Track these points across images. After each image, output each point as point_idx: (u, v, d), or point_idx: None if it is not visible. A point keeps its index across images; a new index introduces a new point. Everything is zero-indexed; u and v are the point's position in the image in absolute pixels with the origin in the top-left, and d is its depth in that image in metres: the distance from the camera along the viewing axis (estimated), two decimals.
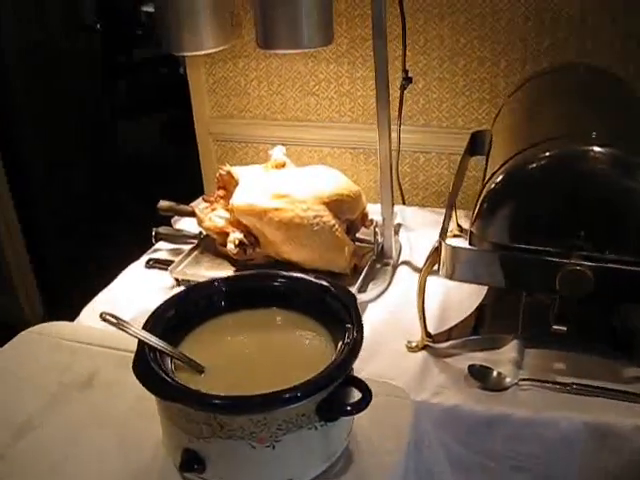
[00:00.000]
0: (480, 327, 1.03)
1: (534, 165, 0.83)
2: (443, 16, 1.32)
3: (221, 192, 1.27)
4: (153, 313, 0.75)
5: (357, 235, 1.21)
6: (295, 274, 0.80)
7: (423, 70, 1.38)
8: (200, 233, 1.28)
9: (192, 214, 1.27)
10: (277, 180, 1.16)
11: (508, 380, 0.90)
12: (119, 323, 0.71)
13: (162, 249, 1.32)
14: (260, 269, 1.16)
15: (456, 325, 1.02)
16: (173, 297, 0.79)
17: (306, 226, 1.08)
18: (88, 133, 2.48)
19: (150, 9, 3.01)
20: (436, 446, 0.88)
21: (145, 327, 0.73)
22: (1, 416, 0.83)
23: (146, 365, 0.67)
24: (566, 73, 1.15)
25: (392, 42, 1.32)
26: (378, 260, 1.19)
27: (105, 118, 2.66)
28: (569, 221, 0.83)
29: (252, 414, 0.62)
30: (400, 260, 1.23)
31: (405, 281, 1.17)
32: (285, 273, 0.80)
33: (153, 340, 0.70)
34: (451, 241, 0.91)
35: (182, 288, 1.16)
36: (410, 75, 1.29)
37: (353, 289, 1.09)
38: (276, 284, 0.80)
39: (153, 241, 1.31)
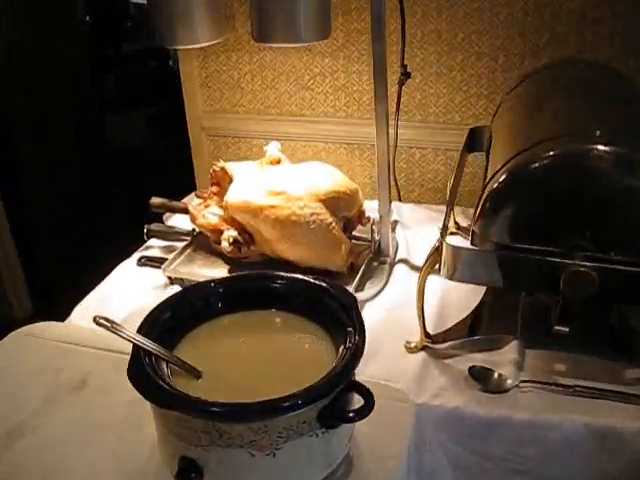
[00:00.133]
0: (479, 327, 1.01)
1: (537, 164, 0.81)
2: (441, 10, 1.30)
3: (215, 188, 1.24)
4: (148, 315, 0.73)
5: (353, 233, 1.19)
6: (294, 275, 0.77)
7: (420, 65, 1.36)
8: (193, 230, 1.26)
9: (185, 211, 1.25)
10: (272, 177, 1.14)
11: (509, 382, 0.89)
12: (113, 327, 0.68)
13: (154, 246, 1.30)
14: (255, 267, 1.14)
15: (455, 325, 1.00)
16: (169, 299, 0.77)
17: (302, 224, 1.06)
18: (77, 128, 2.45)
19: (141, 1, 2.97)
20: (437, 449, 0.87)
21: (140, 330, 0.70)
22: None
23: (142, 371, 0.65)
24: (566, 69, 1.13)
25: (389, 36, 1.29)
26: (375, 258, 1.18)
27: (94, 112, 2.63)
28: (573, 221, 0.81)
29: (252, 422, 0.60)
30: (397, 258, 1.21)
31: (402, 279, 1.16)
32: (284, 274, 0.78)
33: (148, 344, 0.67)
34: (452, 240, 0.89)
35: (175, 286, 1.15)
36: (409, 70, 1.26)
37: (350, 288, 1.07)
38: (275, 285, 0.78)
39: (145, 238, 1.29)
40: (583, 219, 0.81)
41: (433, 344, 0.97)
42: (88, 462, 0.75)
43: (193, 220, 1.21)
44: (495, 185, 0.82)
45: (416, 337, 0.98)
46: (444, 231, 0.90)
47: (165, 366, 0.69)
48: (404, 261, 1.21)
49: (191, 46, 1.06)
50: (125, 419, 0.80)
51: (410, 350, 0.97)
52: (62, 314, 1.10)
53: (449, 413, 0.87)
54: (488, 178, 0.87)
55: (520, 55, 1.30)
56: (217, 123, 1.59)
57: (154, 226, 1.29)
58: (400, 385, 0.89)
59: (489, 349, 0.96)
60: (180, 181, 1.65)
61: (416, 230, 1.31)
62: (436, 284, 1.03)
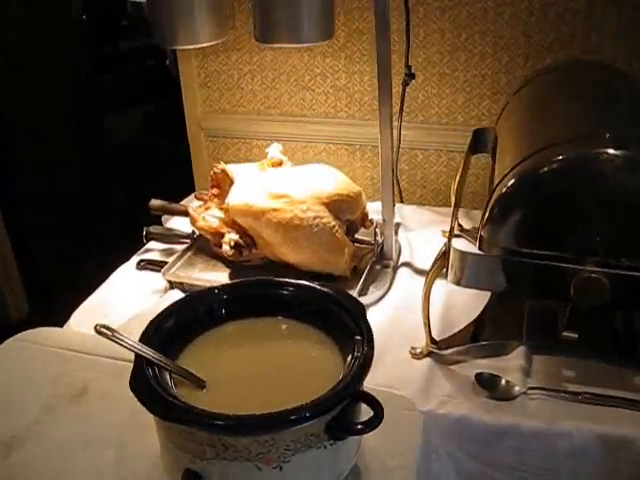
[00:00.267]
0: (485, 333, 1.00)
1: (546, 169, 0.79)
2: (444, 9, 1.29)
3: (215, 190, 1.22)
4: (151, 323, 0.71)
5: (356, 236, 1.18)
6: (301, 282, 0.76)
7: (422, 65, 1.35)
8: (193, 232, 1.24)
9: (185, 213, 1.23)
10: (274, 179, 1.13)
11: (517, 389, 0.87)
12: (114, 335, 0.67)
13: (153, 249, 1.28)
14: (256, 270, 1.12)
15: (460, 331, 0.99)
16: (171, 305, 0.75)
17: (305, 227, 1.05)
18: (74, 127, 2.43)
19: None
20: (444, 457, 0.85)
21: (142, 339, 0.69)
22: None
23: (144, 382, 0.63)
24: (571, 70, 1.12)
25: (391, 36, 1.28)
26: (378, 261, 1.16)
27: (92, 111, 2.60)
28: (583, 226, 0.79)
29: (259, 436, 0.58)
30: (400, 261, 1.20)
31: (406, 283, 1.14)
32: (290, 280, 0.76)
33: (151, 354, 0.66)
34: (458, 244, 0.88)
35: (175, 290, 1.13)
36: (413, 71, 1.25)
37: (354, 292, 1.06)
38: (281, 292, 0.76)
39: (144, 240, 1.27)
40: (593, 224, 0.79)
41: (439, 350, 0.95)
42: (89, 473, 0.74)
43: (193, 223, 1.19)
44: (503, 190, 0.81)
45: (421, 342, 0.96)
46: (451, 235, 0.88)
47: (168, 376, 0.67)
48: (407, 264, 1.19)
49: (192, 46, 1.04)
50: (127, 428, 0.78)
51: (415, 356, 0.96)
52: (60, 315, 1.08)
53: (456, 421, 0.85)
54: (496, 182, 0.85)
55: (524, 55, 1.28)
56: (216, 124, 1.57)
57: (153, 228, 1.27)
58: (405, 392, 0.88)
59: (495, 355, 0.95)
60: (178, 180, 1.64)
61: (418, 233, 1.30)
62: (440, 287, 1.01)
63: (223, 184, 1.20)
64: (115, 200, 2.63)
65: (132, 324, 1.01)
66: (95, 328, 0.66)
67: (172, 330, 0.72)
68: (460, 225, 1.25)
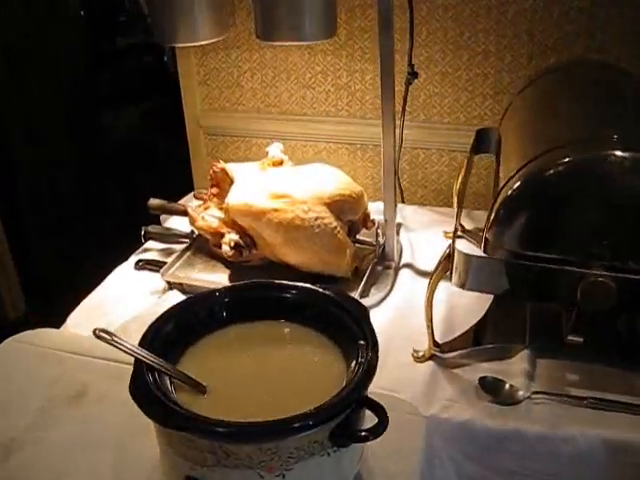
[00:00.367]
0: (487, 335, 0.99)
1: (553, 171, 0.78)
2: (447, 7, 1.27)
3: (214, 190, 1.21)
4: (150, 327, 0.70)
5: (357, 236, 1.16)
6: (304, 285, 0.74)
7: (425, 63, 1.33)
8: (192, 232, 1.23)
9: (184, 213, 1.21)
10: (275, 179, 1.11)
11: (521, 393, 0.86)
12: (113, 340, 0.65)
13: (152, 249, 1.26)
14: (256, 271, 1.11)
15: (463, 334, 0.98)
16: (172, 308, 0.73)
17: (306, 228, 1.03)
18: (72, 125, 2.41)
19: None
20: (447, 463, 0.84)
21: (142, 343, 0.67)
22: None
23: (144, 387, 0.62)
24: (576, 69, 1.10)
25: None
26: (379, 263, 1.15)
27: (89, 108, 2.58)
28: (590, 229, 0.78)
29: (262, 443, 0.57)
30: (402, 262, 1.18)
31: (407, 285, 1.13)
32: (293, 283, 0.75)
33: (151, 359, 0.64)
34: (460, 245, 0.86)
35: (174, 291, 1.12)
36: (416, 70, 1.23)
37: (355, 294, 1.05)
38: (284, 295, 0.74)
39: (142, 240, 1.25)
40: (600, 227, 0.78)
41: (441, 353, 0.94)
42: (88, 475, 0.73)
43: (192, 223, 1.18)
44: (509, 192, 0.79)
45: (423, 345, 0.95)
46: (455, 236, 0.87)
47: (168, 381, 0.66)
48: (409, 265, 1.18)
49: (192, 44, 1.03)
50: (126, 431, 0.77)
51: (418, 359, 0.94)
52: (58, 314, 1.06)
53: (459, 426, 0.84)
54: (501, 184, 0.84)
55: (527, 55, 1.27)
56: (215, 122, 1.56)
57: (152, 228, 1.25)
58: (408, 395, 0.87)
59: (498, 358, 0.94)
60: (176, 177, 1.63)
61: (420, 233, 1.29)
62: (442, 289, 1.00)
63: (223, 183, 1.18)
64: (113, 198, 2.61)
65: (131, 325, 1.00)
66: (94, 332, 0.65)
67: (172, 334, 0.71)
68: (462, 226, 1.23)
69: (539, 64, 1.26)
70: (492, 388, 0.87)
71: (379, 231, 1.14)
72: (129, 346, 0.65)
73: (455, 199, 1.16)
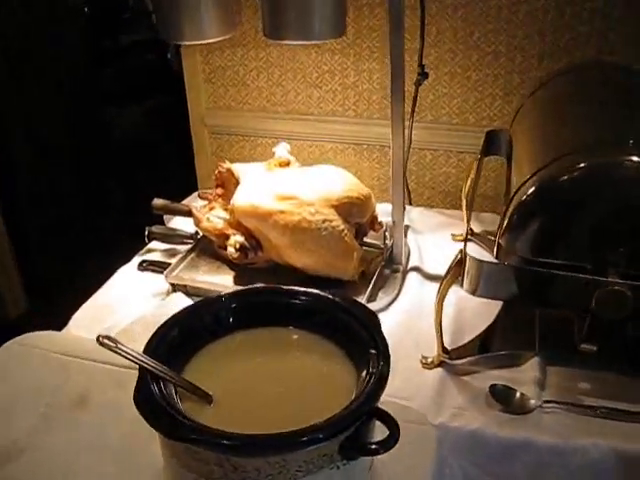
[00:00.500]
0: (497, 342, 0.97)
1: (567, 177, 0.76)
2: (457, 7, 1.25)
3: (219, 190, 1.19)
4: (155, 333, 0.68)
5: (364, 239, 1.15)
6: (313, 290, 0.72)
7: (434, 64, 1.31)
8: (196, 233, 1.21)
9: (188, 213, 1.20)
10: (282, 180, 1.09)
11: (532, 402, 0.85)
12: (117, 347, 0.64)
13: (156, 250, 1.24)
14: (262, 273, 1.09)
15: (472, 340, 0.96)
16: (177, 314, 0.71)
17: (313, 230, 1.01)
18: (74, 123, 2.39)
19: None
20: (457, 472, 0.82)
21: (146, 350, 0.65)
22: None
23: (149, 396, 0.60)
24: (589, 71, 1.08)
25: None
26: (387, 266, 1.13)
27: (92, 106, 2.57)
28: (605, 236, 0.77)
29: (270, 456, 0.56)
30: (409, 266, 1.16)
31: (415, 289, 1.11)
32: (301, 289, 0.73)
33: (156, 367, 0.63)
34: (469, 249, 0.84)
35: (178, 293, 1.10)
36: (426, 70, 1.21)
37: (362, 298, 1.03)
38: (292, 301, 0.73)
39: (146, 240, 1.23)
40: (615, 234, 0.76)
41: (450, 360, 0.92)
42: None
43: (197, 223, 1.16)
44: (523, 197, 0.78)
45: (431, 350, 0.93)
46: (466, 243, 0.85)
47: (174, 390, 0.64)
48: (417, 269, 1.16)
49: (198, 42, 1.01)
50: (128, 439, 0.75)
51: (426, 366, 0.93)
52: (59, 313, 1.05)
53: (469, 435, 0.82)
54: (514, 189, 0.82)
55: (538, 55, 1.25)
56: (220, 120, 1.54)
57: (155, 228, 1.23)
58: (417, 403, 0.85)
59: (508, 366, 0.92)
60: (179, 176, 1.61)
61: (427, 236, 1.27)
62: (451, 292, 0.98)
63: (228, 184, 1.16)
64: (115, 196, 2.60)
65: (135, 328, 0.98)
66: (97, 339, 0.63)
67: (177, 340, 0.69)
68: (470, 229, 1.22)
69: (550, 65, 1.24)
70: (502, 396, 0.86)
71: (387, 234, 1.12)
72: (134, 354, 0.63)
73: (464, 202, 1.14)
